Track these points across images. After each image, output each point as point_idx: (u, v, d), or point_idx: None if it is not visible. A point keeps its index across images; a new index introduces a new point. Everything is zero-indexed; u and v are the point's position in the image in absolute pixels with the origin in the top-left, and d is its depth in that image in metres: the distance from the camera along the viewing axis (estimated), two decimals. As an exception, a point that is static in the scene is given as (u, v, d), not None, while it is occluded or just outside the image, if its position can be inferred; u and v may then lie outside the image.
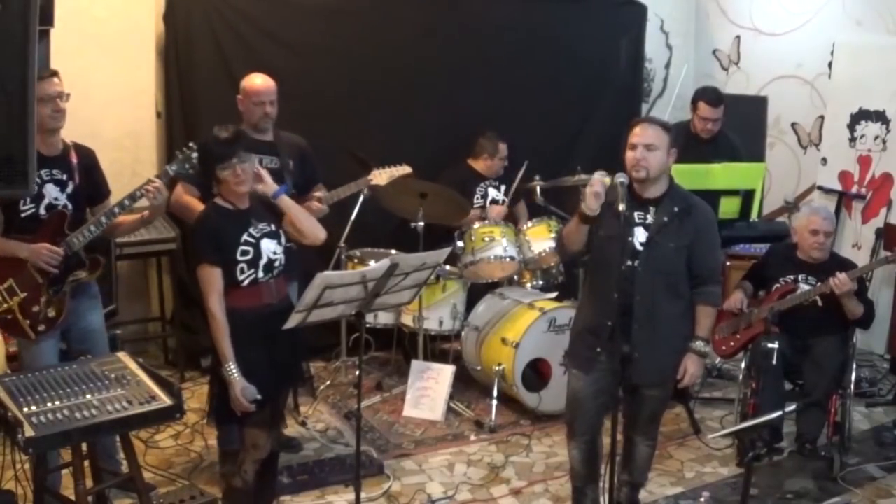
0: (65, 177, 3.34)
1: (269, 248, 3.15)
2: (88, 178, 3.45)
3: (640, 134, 3.12)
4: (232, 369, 3.00)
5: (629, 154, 3.13)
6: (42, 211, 3.29)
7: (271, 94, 3.98)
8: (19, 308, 3.25)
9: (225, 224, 3.11)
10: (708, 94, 4.89)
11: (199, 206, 3.50)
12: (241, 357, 3.05)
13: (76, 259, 3.34)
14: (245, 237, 3.10)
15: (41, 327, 3.29)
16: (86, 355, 3.28)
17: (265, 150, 3.93)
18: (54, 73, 3.28)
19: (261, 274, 3.13)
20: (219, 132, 3.11)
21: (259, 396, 3.03)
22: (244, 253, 3.09)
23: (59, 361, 3.35)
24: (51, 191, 3.30)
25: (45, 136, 3.28)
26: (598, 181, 3.06)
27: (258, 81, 3.99)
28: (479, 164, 5.37)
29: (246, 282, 3.10)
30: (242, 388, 2.98)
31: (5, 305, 3.24)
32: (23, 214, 3.26)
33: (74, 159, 3.39)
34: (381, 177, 4.35)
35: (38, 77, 3.14)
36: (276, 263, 3.18)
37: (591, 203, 3.07)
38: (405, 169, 4.42)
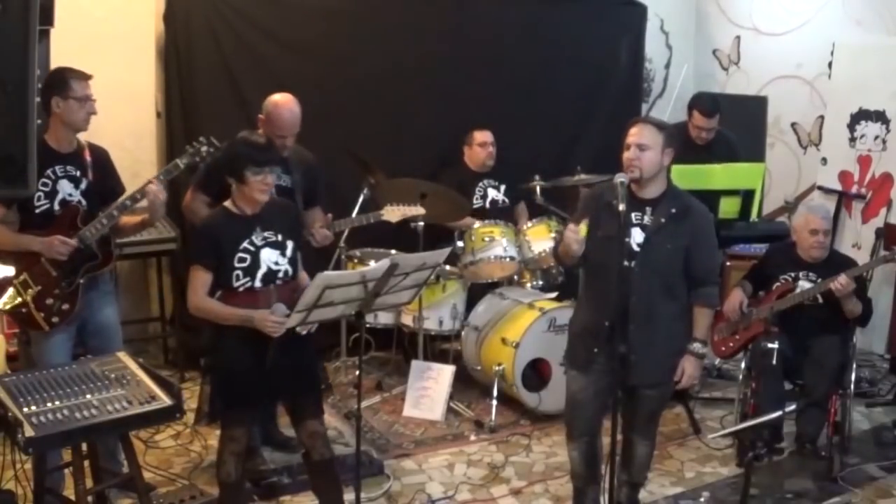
0: (78, 173, 3.37)
1: (271, 258, 3.12)
2: (102, 176, 3.47)
3: (634, 134, 3.13)
4: (245, 315, 3.00)
5: (624, 154, 3.14)
6: (56, 207, 3.32)
7: (294, 129, 3.80)
8: (33, 301, 3.27)
9: (226, 229, 3.09)
10: (703, 104, 4.84)
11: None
12: (228, 356, 3.06)
13: (89, 252, 3.36)
14: (244, 244, 3.07)
15: (55, 319, 3.31)
16: (100, 350, 3.32)
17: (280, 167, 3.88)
18: (89, 77, 3.32)
19: (258, 283, 3.10)
20: (251, 136, 3.12)
21: (288, 312, 2.99)
22: (241, 260, 3.07)
23: (69, 358, 3.37)
24: (65, 187, 3.33)
25: (63, 134, 3.32)
26: (572, 237, 3.08)
27: (286, 116, 3.74)
28: (468, 159, 5.37)
29: (241, 289, 3.09)
30: (268, 313, 2.99)
31: (20, 299, 3.26)
32: (37, 210, 3.29)
33: (88, 157, 3.42)
34: (393, 213, 4.29)
35: (78, 77, 3.26)
36: (280, 273, 3.14)
37: (572, 253, 3.12)
38: (418, 210, 4.35)
